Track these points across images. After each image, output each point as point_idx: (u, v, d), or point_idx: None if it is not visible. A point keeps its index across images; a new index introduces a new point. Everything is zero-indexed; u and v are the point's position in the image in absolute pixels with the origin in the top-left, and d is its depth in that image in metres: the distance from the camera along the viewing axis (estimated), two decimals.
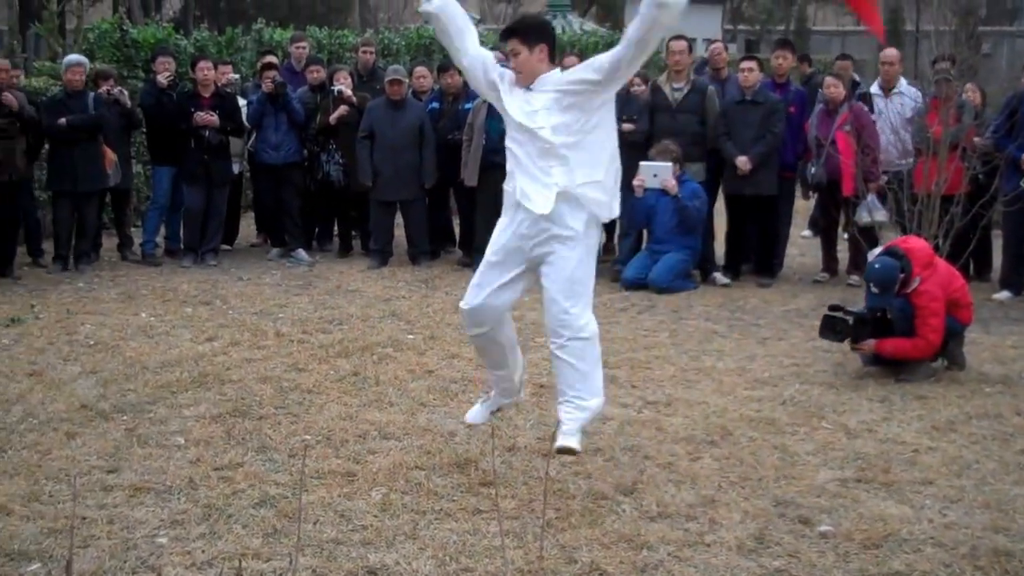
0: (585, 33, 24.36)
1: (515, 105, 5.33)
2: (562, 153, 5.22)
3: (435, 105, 11.69)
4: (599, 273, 10.56)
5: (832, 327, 7.55)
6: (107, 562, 4.58)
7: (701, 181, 10.58)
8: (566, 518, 5.09)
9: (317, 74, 11.99)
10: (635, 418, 6.63)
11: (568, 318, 5.31)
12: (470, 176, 11.07)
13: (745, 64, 10.66)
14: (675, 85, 10.67)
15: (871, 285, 7.49)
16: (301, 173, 11.82)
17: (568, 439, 5.25)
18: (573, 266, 5.28)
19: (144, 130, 11.87)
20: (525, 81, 5.32)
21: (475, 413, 5.94)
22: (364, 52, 13.06)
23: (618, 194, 5.46)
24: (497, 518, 5.07)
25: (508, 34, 5.42)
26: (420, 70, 12.23)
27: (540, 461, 5.84)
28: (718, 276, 10.77)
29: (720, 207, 11.28)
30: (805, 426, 6.51)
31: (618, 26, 30.60)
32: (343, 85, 11.55)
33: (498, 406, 5.98)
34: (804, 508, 5.26)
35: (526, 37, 5.30)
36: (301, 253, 11.67)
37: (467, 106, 11.37)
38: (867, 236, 10.19)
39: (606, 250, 11.79)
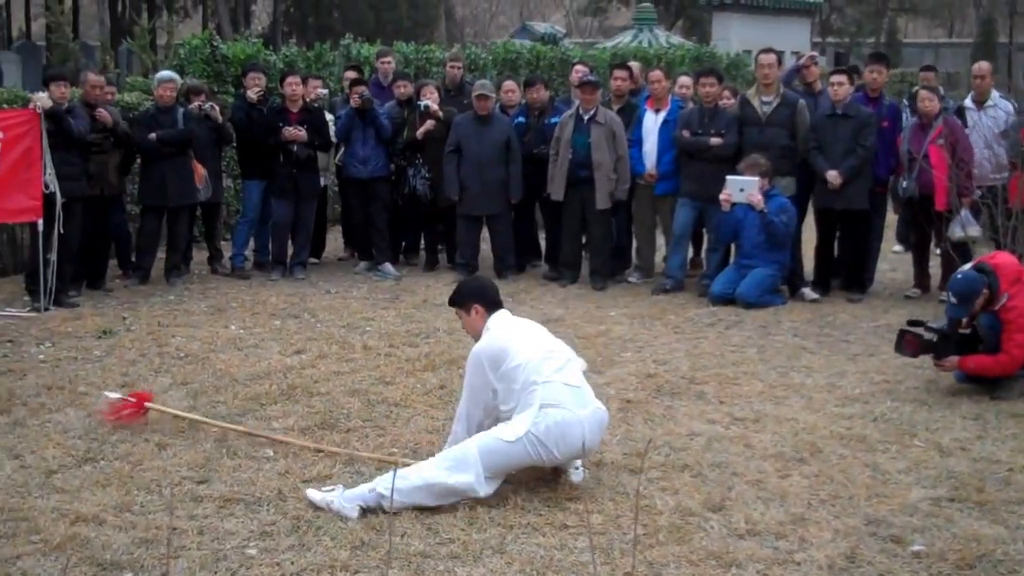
0: (671, 47, 24.27)
1: None
2: None
3: (521, 119, 11.70)
4: (685, 287, 10.57)
5: (911, 343, 7.43)
6: (198, 573, 4.64)
7: (791, 196, 10.45)
8: (654, 534, 5.05)
9: (404, 89, 12.06)
10: (723, 434, 6.56)
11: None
12: (556, 190, 11.06)
13: (835, 78, 10.51)
14: (764, 98, 10.56)
15: (951, 295, 7.37)
16: (388, 187, 11.87)
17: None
18: None
19: (234, 144, 12.01)
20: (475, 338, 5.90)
21: None
22: (451, 67, 13.11)
23: None
24: (585, 533, 5.04)
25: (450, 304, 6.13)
26: (508, 84, 12.24)
27: (627, 476, 5.80)
28: (807, 291, 10.62)
29: (810, 221, 11.13)
30: (897, 444, 6.39)
31: (705, 39, 30.46)
32: (430, 100, 11.60)
33: None
34: (896, 527, 5.17)
35: (459, 304, 5.98)
36: (388, 267, 11.73)
37: (553, 120, 11.36)
38: (960, 252, 9.99)
39: (693, 264, 11.72)
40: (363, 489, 5.34)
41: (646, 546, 4.92)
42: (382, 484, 5.27)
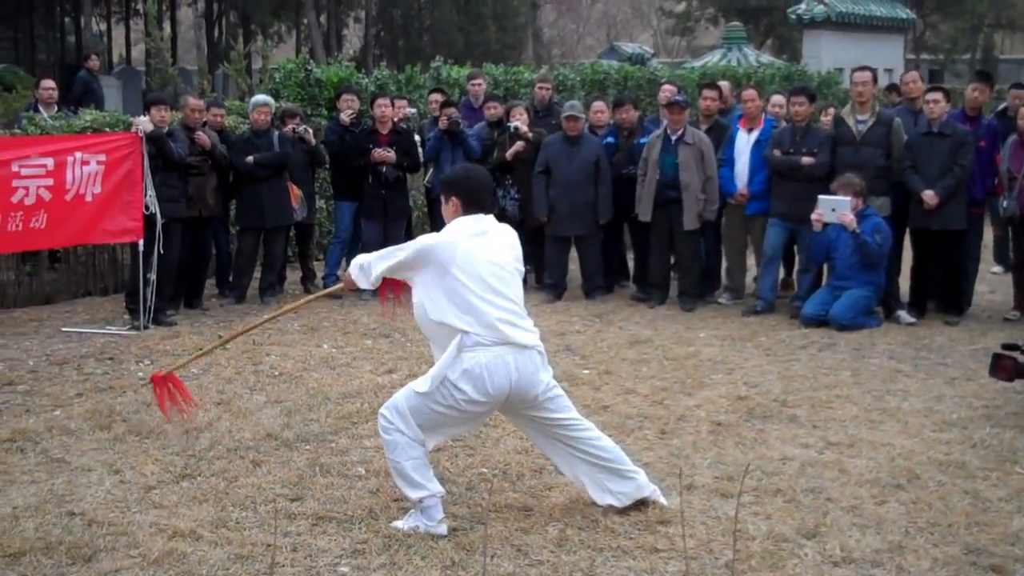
0: (761, 65, 24.09)
1: None
2: None
3: (611, 140, 11.71)
4: (777, 308, 10.48)
5: (1005, 367, 7.26)
6: None
7: (886, 216, 10.31)
8: (746, 560, 5.01)
9: (494, 110, 12.14)
10: (817, 459, 6.49)
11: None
12: (644, 211, 11.04)
13: (931, 95, 10.36)
14: (859, 117, 10.43)
15: None
16: None
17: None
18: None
19: (327, 166, 12.18)
20: None
21: None
22: (540, 88, 13.15)
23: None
24: (676, 558, 5.02)
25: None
26: (597, 105, 12.25)
27: (718, 500, 5.77)
28: (902, 314, 10.45)
29: (906, 242, 10.96)
30: (997, 471, 6.27)
31: (795, 58, 30.17)
32: (520, 121, 11.66)
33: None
34: (997, 556, 5.07)
35: (442, 190, 5.72)
36: None
37: (642, 141, 11.35)
38: None
39: (784, 286, 11.61)
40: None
41: (739, 572, 4.89)
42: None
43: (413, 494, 5.33)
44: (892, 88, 15.08)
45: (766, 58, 30.37)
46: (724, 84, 12.89)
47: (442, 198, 5.68)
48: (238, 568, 4.91)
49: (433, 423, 5.36)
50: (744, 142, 11.05)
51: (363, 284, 5.74)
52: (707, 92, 11.72)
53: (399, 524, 5.39)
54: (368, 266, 5.64)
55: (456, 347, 5.28)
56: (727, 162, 11.07)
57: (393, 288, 5.96)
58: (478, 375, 5.27)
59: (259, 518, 5.51)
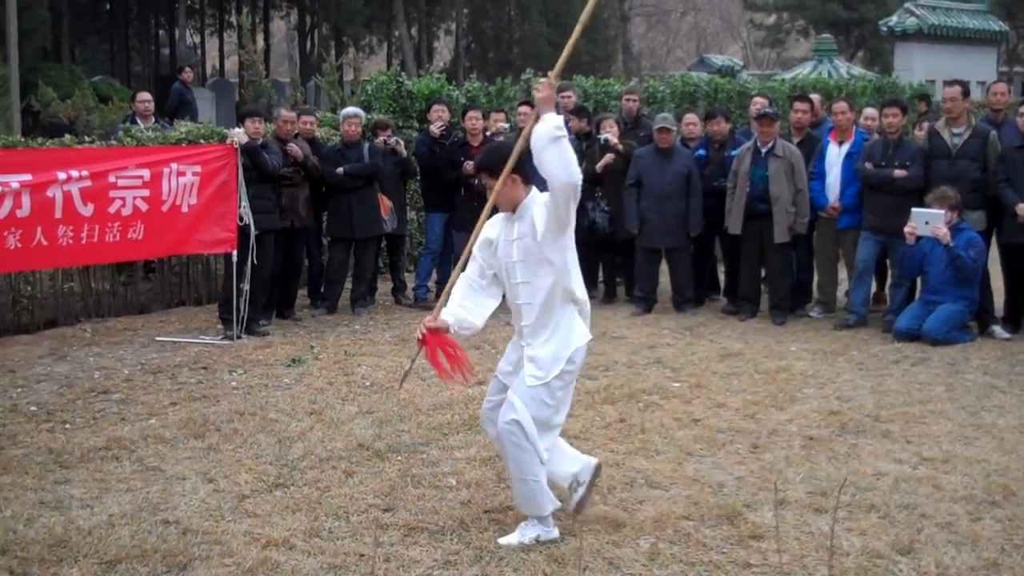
0: (853, 78, 23.82)
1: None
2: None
3: (702, 152, 11.65)
4: (869, 322, 10.34)
5: None
6: None
7: (981, 230, 10.13)
8: None
9: (580, 123, 12.15)
10: (911, 475, 6.39)
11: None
12: (734, 224, 10.96)
13: None
14: (955, 130, 10.25)
15: None
16: None
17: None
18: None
19: (418, 178, 12.26)
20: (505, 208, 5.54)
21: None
22: (629, 100, 13.12)
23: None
24: (769, 573, 4.96)
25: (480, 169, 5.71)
26: (689, 117, 12.21)
27: (811, 516, 5.70)
28: (997, 329, 10.25)
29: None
30: None
31: (887, 70, 29.78)
32: (610, 133, 11.64)
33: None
34: None
35: (491, 170, 5.42)
36: None
37: (733, 153, 11.27)
38: None
39: (876, 300, 11.45)
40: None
41: None
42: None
43: (548, 507, 5.39)
44: (923, 98, 14.82)
45: (857, 70, 30.02)
46: (815, 97, 12.76)
47: (490, 182, 5.42)
48: None
49: (546, 417, 5.39)
50: (835, 155, 10.93)
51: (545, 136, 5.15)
52: (799, 105, 11.61)
53: (509, 540, 5.35)
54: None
55: (577, 316, 5.60)
56: (818, 175, 10.95)
57: (448, 348, 5.67)
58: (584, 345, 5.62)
59: (352, 528, 5.55)
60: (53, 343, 9.83)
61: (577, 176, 5.13)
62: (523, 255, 5.43)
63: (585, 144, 11.97)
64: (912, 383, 8.57)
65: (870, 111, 11.55)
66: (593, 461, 5.74)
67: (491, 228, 5.58)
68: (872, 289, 11.27)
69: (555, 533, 5.41)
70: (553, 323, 5.51)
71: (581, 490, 5.64)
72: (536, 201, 5.39)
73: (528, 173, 5.43)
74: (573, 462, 5.70)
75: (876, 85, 20.91)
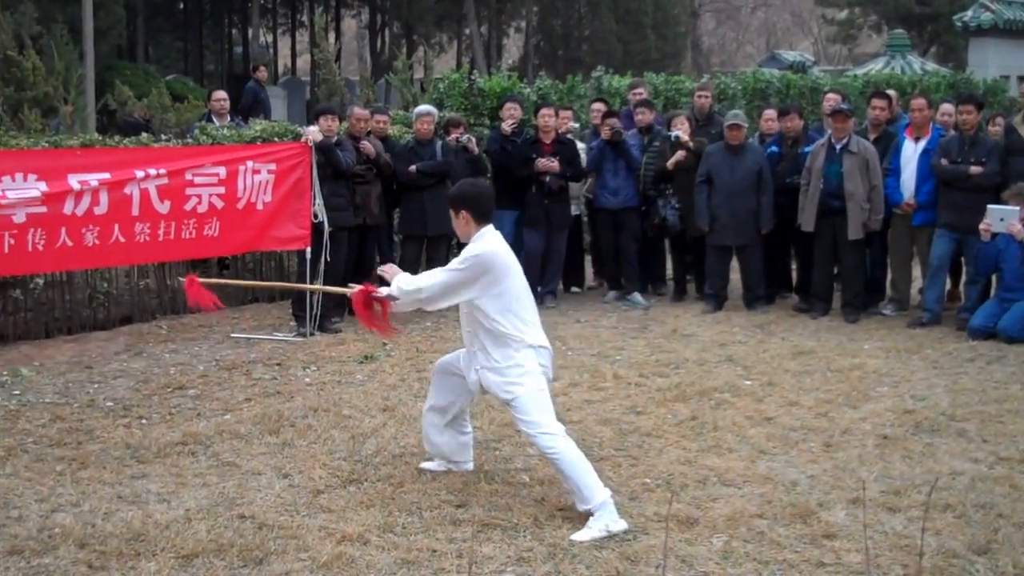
0: (926, 73, 23.51)
1: None
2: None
3: (774, 149, 11.56)
4: (943, 320, 10.20)
5: None
6: None
7: None
8: None
9: (644, 116, 12.14)
10: (987, 474, 6.30)
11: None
12: (807, 221, 10.86)
13: None
14: None
15: None
16: (638, 217, 11.92)
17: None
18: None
19: (490, 175, 12.28)
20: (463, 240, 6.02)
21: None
22: (700, 96, 13.06)
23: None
24: (843, 572, 4.93)
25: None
26: (768, 113, 12.15)
27: (886, 515, 5.65)
28: None
29: None
30: None
31: (961, 65, 29.35)
32: (681, 131, 11.60)
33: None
34: None
35: (451, 204, 5.96)
36: (637, 296, 11.77)
37: (806, 150, 11.18)
38: None
39: (951, 297, 11.30)
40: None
41: None
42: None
43: (599, 495, 5.50)
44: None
45: (931, 66, 29.62)
46: (892, 93, 12.60)
47: (451, 212, 5.94)
48: (405, 573, 4.99)
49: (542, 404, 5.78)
50: (911, 151, 10.78)
51: (403, 305, 6.02)
52: (876, 101, 11.45)
53: (580, 536, 5.38)
54: (422, 291, 5.86)
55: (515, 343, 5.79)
56: (893, 172, 10.81)
57: (381, 306, 6.09)
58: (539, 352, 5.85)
59: (425, 524, 5.58)
60: (129, 339, 9.99)
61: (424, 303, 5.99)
62: None
63: (646, 137, 11.95)
64: (987, 381, 8.46)
65: (946, 107, 11.38)
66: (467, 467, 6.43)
67: None
68: (946, 287, 11.12)
69: (623, 524, 5.43)
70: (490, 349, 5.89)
71: (432, 466, 6.40)
72: (480, 239, 5.84)
73: (481, 213, 5.88)
74: (458, 449, 6.39)
75: (950, 81, 20.61)
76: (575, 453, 5.64)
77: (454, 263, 5.83)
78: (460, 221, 5.89)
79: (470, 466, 6.42)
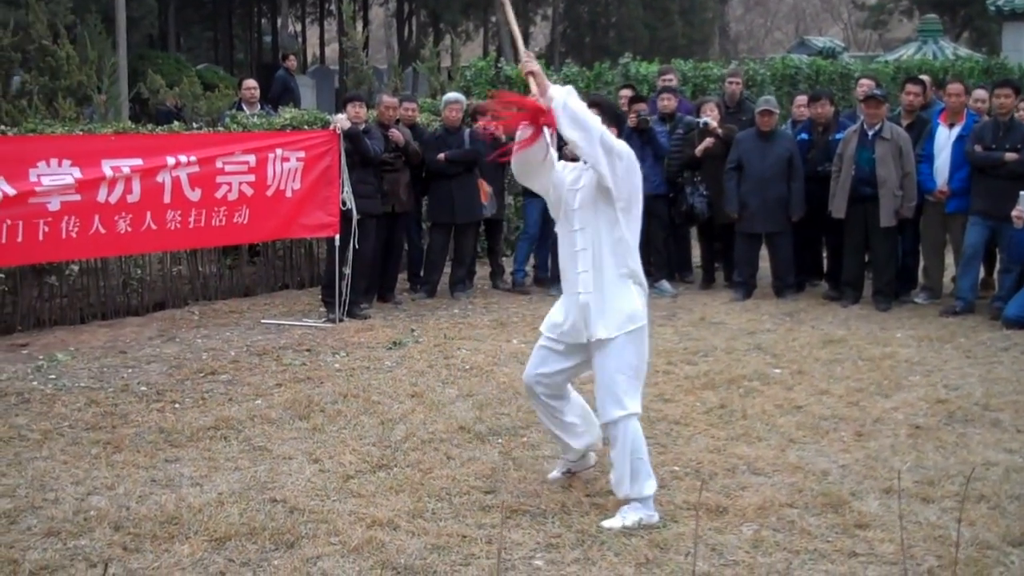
0: (959, 59, 23.33)
1: None
2: None
3: (804, 136, 11.50)
4: (976, 309, 10.11)
5: None
6: None
7: None
8: (949, 567, 4.87)
9: (668, 102, 12.12)
10: (1021, 465, 6.26)
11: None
12: (838, 207, 10.79)
13: None
14: None
15: None
16: (666, 204, 11.88)
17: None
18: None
19: None
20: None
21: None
22: (730, 83, 13.02)
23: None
24: (875, 562, 4.92)
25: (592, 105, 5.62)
26: (800, 99, 12.11)
27: (919, 505, 5.63)
28: None
29: None
30: None
31: (994, 51, 29.10)
32: (710, 117, 11.55)
33: (566, 468, 6.10)
34: None
35: (603, 112, 5.62)
36: (665, 284, 11.74)
37: (837, 137, 11.11)
38: None
39: (985, 286, 11.22)
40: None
41: None
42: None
43: (650, 487, 5.47)
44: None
45: (963, 51, 29.38)
46: (926, 78, 12.51)
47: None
48: (435, 558, 5.00)
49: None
50: (945, 137, 10.70)
51: (558, 109, 5.34)
52: (910, 87, 11.34)
53: (611, 524, 5.38)
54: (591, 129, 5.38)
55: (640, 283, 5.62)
56: (927, 158, 10.74)
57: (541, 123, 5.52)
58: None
59: (454, 509, 5.60)
60: (162, 325, 10.05)
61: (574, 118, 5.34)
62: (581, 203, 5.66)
63: (669, 124, 11.92)
64: (1022, 371, 8.39)
65: (980, 92, 11.27)
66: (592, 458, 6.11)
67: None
68: (980, 275, 11.04)
69: (656, 517, 5.42)
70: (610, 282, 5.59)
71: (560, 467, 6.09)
72: None
73: (614, 119, 5.70)
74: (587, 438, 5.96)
75: (984, 66, 20.45)
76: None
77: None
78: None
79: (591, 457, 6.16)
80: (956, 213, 10.68)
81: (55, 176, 8.59)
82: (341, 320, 10.09)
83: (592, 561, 4.97)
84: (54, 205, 8.61)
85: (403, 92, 15.58)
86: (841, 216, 10.81)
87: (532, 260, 12.28)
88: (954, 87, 10.85)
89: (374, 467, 6.25)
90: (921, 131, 10.88)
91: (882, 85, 12.99)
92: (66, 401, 7.54)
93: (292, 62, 18.12)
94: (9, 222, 8.36)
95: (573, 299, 5.60)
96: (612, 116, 5.72)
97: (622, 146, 5.48)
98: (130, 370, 8.45)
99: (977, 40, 41.06)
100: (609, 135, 5.41)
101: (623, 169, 5.47)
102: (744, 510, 5.55)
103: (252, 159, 9.78)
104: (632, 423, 5.46)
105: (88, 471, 6.16)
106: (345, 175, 10.07)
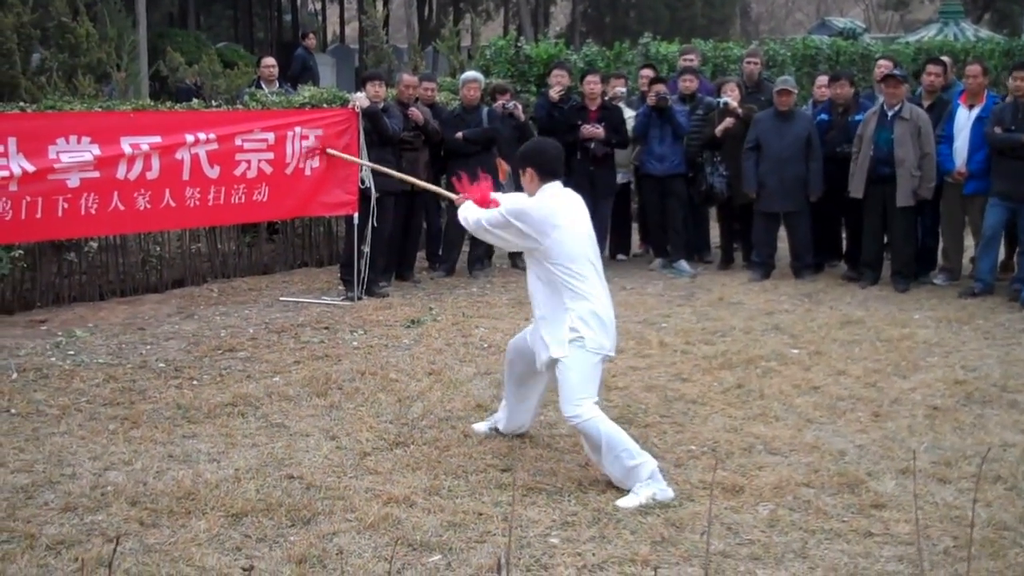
0: (980, 40, 23.13)
1: None
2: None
3: (824, 117, 11.45)
4: (995, 291, 10.04)
5: None
6: (502, 558, 4.76)
7: None
8: (964, 547, 4.86)
9: (689, 83, 12.10)
10: None
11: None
12: (856, 187, 10.75)
13: None
14: None
15: None
16: (684, 184, 11.86)
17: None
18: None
19: None
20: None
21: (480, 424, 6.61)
22: (750, 63, 12.96)
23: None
24: (891, 542, 4.91)
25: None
26: (821, 80, 12.08)
27: (936, 486, 5.62)
28: None
29: None
30: None
31: (1016, 32, 28.86)
32: (730, 97, 11.51)
33: (493, 426, 6.53)
34: None
35: (520, 162, 5.99)
36: (683, 264, 11.72)
37: (857, 118, 11.06)
38: None
39: (1004, 268, 11.17)
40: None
41: (956, 559, 4.76)
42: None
43: (647, 469, 5.51)
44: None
45: (984, 32, 29.14)
46: (946, 59, 12.42)
47: (519, 170, 6.01)
48: (451, 535, 5.02)
49: (594, 385, 5.73)
50: (964, 119, 10.63)
51: (467, 225, 6.18)
52: (931, 67, 11.27)
53: (625, 503, 5.40)
54: (479, 223, 6.02)
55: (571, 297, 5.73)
56: (946, 139, 10.67)
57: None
58: (601, 320, 5.75)
59: (470, 487, 5.62)
60: (181, 302, 10.08)
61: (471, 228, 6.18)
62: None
63: (690, 105, 11.89)
64: None
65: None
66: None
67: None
68: (1000, 257, 10.99)
69: (670, 493, 5.45)
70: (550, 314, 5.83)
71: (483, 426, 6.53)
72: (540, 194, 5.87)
73: (545, 171, 5.88)
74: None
75: (1005, 48, 20.26)
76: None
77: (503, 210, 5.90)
78: (526, 178, 5.93)
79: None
80: (975, 194, 10.62)
81: (74, 153, 8.61)
82: (359, 298, 10.11)
83: (608, 539, 4.98)
84: (73, 182, 8.63)
85: (423, 71, 15.54)
86: (859, 196, 10.76)
87: None
88: (973, 68, 10.77)
89: (391, 444, 6.27)
90: (941, 112, 10.82)
91: (902, 66, 12.90)
92: (84, 377, 7.58)
93: (312, 40, 18.13)
94: (28, 198, 8.39)
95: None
96: (539, 165, 5.91)
97: (518, 212, 5.78)
98: (148, 346, 8.48)
99: (998, 22, 40.67)
100: (500, 219, 5.87)
101: (536, 233, 5.75)
102: (760, 489, 5.55)
103: (271, 137, 9.78)
104: (591, 422, 5.58)
105: (106, 446, 6.20)
106: (364, 153, 10.06)
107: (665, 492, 5.44)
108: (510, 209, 5.79)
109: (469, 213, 6.13)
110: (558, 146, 6.08)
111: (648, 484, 5.44)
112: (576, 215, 5.86)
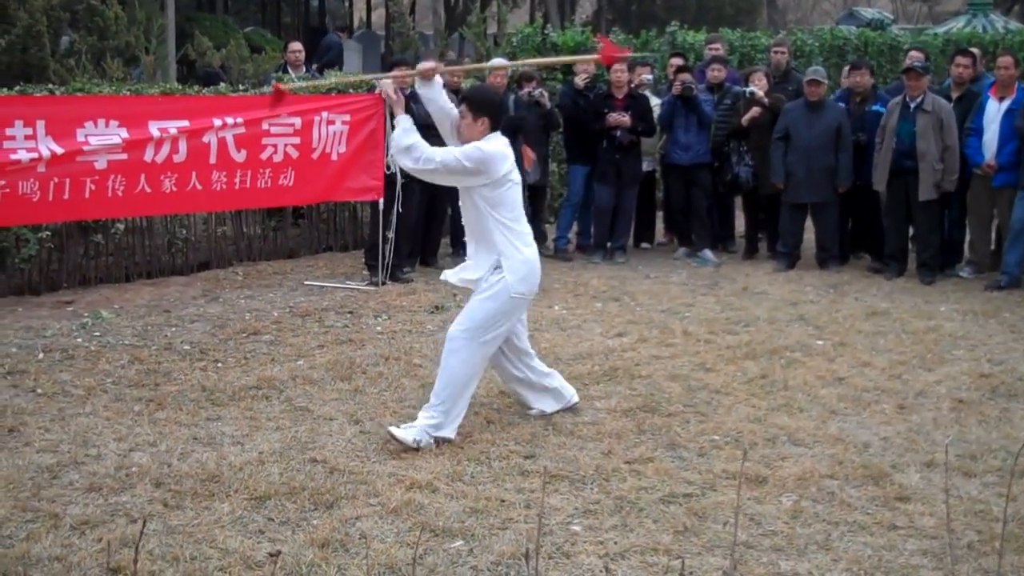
0: (1009, 32, 22.97)
1: None
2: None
3: (841, 105, 11.39)
4: (1022, 285, 10.00)
5: None
6: (525, 545, 4.76)
7: None
8: (989, 542, 4.84)
9: (717, 73, 12.06)
10: None
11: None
12: (879, 180, 10.70)
13: None
14: None
15: None
16: (710, 174, 11.82)
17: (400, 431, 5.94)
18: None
19: (561, 130, 12.23)
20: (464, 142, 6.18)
21: None
22: (777, 53, 12.90)
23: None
24: (915, 535, 4.90)
25: (460, 100, 6.37)
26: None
27: (960, 479, 5.59)
28: None
29: None
30: None
31: None
32: (757, 86, 11.46)
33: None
34: None
35: (473, 107, 6.14)
36: (707, 253, 11.69)
37: (875, 108, 11.01)
38: None
39: None
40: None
41: (981, 553, 4.73)
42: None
43: (449, 431, 5.98)
44: None
45: (1014, 24, 28.91)
46: (975, 51, 12.33)
47: (466, 113, 6.16)
48: (473, 521, 5.02)
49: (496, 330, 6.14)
50: (994, 111, 10.55)
51: (400, 153, 6.34)
52: (960, 59, 11.19)
53: (398, 432, 5.91)
54: (431, 157, 6.12)
55: (512, 246, 6.11)
56: (976, 131, 10.60)
57: None
58: (531, 271, 6.20)
59: (493, 473, 5.62)
60: (206, 285, 10.12)
61: (402, 158, 6.35)
62: None
63: (717, 94, 11.85)
64: None
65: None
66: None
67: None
68: None
69: (424, 444, 5.91)
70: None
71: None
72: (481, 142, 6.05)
73: (495, 123, 6.13)
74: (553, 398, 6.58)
75: None
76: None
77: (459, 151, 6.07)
78: (476, 125, 6.09)
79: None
80: (1004, 187, 10.55)
81: (102, 136, 8.65)
82: (384, 283, 10.12)
83: (630, 528, 4.98)
84: (101, 164, 8.68)
85: (449, 58, 15.52)
86: (882, 188, 10.72)
87: (575, 227, 12.25)
88: (1004, 60, 10.70)
89: None
90: (971, 104, 10.75)
91: (931, 57, 12.82)
92: (110, 358, 7.62)
93: (345, 34, 18.11)
94: (56, 179, 8.44)
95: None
96: (481, 107, 6.15)
97: (478, 157, 5.99)
98: (174, 329, 8.52)
99: None
100: (432, 155, 6.11)
101: (488, 172, 6.04)
102: (784, 480, 5.54)
103: (298, 122, 9.80)
104: (460, 355, 6.04)
105: (130, 428, 6.23)
106: (390, 139, 10.03)
107: (424, 442, 5.88)
108: (467, 153, 5.99)
109: (414, 140, 6.20)
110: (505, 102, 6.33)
111: (424, 437, 5.88)
112: (514, 164, 6.18)
